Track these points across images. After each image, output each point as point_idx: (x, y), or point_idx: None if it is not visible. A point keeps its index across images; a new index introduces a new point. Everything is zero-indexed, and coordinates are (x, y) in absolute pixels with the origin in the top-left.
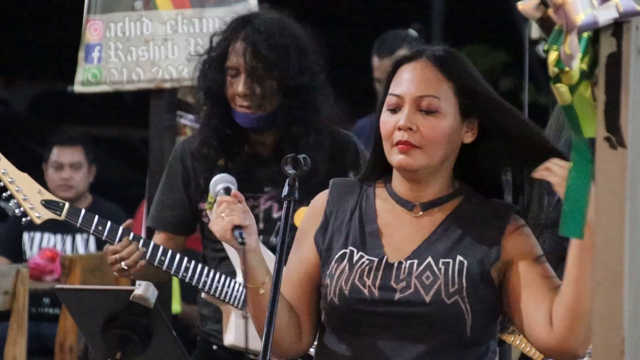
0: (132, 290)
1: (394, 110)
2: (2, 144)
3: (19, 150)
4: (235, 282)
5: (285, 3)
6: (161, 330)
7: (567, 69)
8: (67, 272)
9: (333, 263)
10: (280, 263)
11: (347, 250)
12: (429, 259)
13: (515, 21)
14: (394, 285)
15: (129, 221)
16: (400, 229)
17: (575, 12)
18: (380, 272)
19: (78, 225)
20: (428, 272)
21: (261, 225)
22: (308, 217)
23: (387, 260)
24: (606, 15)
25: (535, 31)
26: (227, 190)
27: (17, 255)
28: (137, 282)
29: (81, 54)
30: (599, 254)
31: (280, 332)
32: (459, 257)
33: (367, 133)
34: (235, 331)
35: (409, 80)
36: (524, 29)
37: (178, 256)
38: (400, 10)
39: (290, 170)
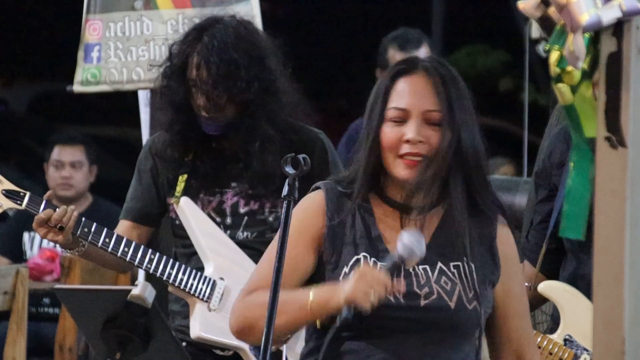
0: (131, 290)
1: (398, 122)
2: (2, 144)
3: (19, 150)
4: (201, 275)
5: (285, 3)
6: (160, 330)
7: (568, 68)
8: (67, 272)
9: (347, 270)
10: (280, 263)
11: (360, 257)
12: (439, 264)
13: (515, 21)
14: (417, 291)
15: (49, 192)
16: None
17: (579, 12)
18: (402, 278)
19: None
20: (444, 278)
21: (229, 220)
22: (303, 217)
23: (404, 265)
24: (609, 15)
25: (535, 31)
26: (397, 265)
27: (17, 255)
28: (136, 281)
29: (80, 54)
30: (599, 254)
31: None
32: (466, 260)
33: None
34: (200, 323)
35: (412, 94)
36: (524, 29)
37: (142, 248)
38: (400, 10)
39: (290, 170)
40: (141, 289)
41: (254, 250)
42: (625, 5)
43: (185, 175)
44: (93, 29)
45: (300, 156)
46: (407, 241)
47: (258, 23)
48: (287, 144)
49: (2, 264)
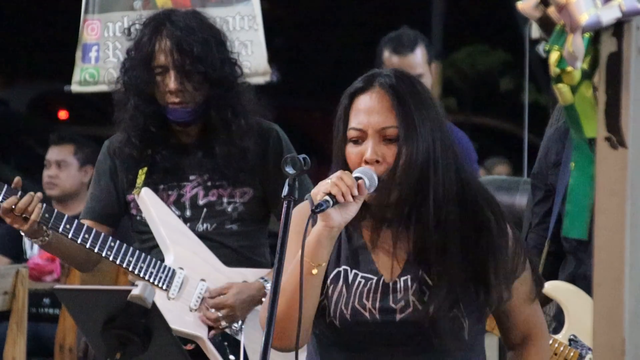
0: (131, 290)
1: (357, 141)
2: (2, 144)
3: (19, 150)
4: (160, 264)
5: (285, 3)
6: (160, 330)
7: (568, 69)
8: (67, 272)
9: (328, 283)
10: (281, 263)
11: (341, 269)
12: (421, 271)
13: (515, 21)
14: (393, 305)
15: (17, 178)
16: (385, 243)
17: (579, 12)
18: (379, 294)
19: None
20: (424, 287)
21: (188, 213)
22: (301, 224)
23: (383, 280)
24: (609, 15)
25: (535, 31)
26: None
27: (17, 255)
28: (135, 282)
29: (78, 54)
30: (599, 254)
31: (307, 321)
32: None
33: None
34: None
35: (368, 112)
36: (524, 29)
37: (102, 235)
38: (400, 10)
39: (290, 170)
40: (141, 289)
41: (213, 242)
42: (625, 5)
43: (145, 169)
44: (91, 29)
45: (301, 156)
46: (360, 170)
47: (258, 23)
48: (248, 132)
49: (2, 264)
